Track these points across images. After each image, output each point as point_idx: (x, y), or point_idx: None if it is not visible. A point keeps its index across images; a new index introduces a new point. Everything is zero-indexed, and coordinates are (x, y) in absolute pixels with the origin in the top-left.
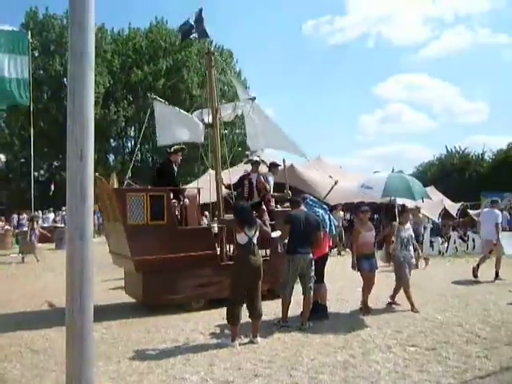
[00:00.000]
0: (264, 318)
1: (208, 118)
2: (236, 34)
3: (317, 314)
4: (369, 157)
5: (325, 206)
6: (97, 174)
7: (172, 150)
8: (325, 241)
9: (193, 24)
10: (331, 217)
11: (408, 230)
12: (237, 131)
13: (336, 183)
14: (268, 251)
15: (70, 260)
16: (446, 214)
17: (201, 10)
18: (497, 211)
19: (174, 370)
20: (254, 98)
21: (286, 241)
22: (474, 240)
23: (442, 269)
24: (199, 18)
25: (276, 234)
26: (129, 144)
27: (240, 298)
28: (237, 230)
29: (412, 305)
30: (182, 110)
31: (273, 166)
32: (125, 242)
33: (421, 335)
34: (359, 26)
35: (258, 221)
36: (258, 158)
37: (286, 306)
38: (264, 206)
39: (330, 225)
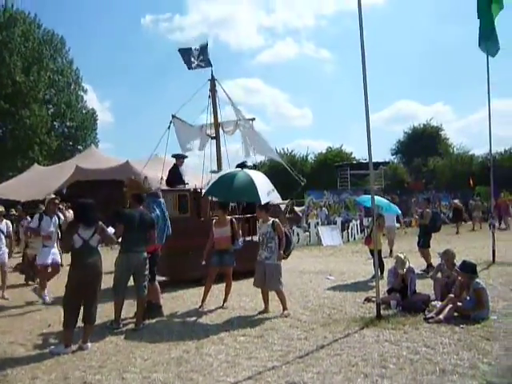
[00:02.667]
0: (96, 321)
1: (211, 132)
2: (72, 19)
3: (151, 314)
4: (207, 155)
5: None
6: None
7: (178, 156)
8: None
9: (194, 51)
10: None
11: (267, 228)
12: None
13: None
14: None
15: None
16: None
17: (207, 43)
18: None
19: None
20: (254, 119)
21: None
22: (298, 234)
23: None
24: (205, 49)
25: (111, 230)
26: None
27: (77, 304)
28: (70, 232)
29: (266, 305)
30: (192, 125)
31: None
32: None
33: (250, 325)
34: (198, 26)
35: (100, 223)
36: (250, 163)
37: (118, 307)
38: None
39: (165, 223)
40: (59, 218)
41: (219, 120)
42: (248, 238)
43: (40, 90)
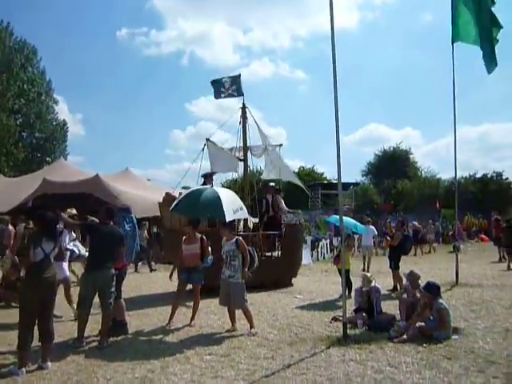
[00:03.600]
0: (58, 339)
1: (240, 154)
2: (46, 28)
3: (116, 331)
4: (179, 171)
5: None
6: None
7: (206, 175)
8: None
9: (225, 82)
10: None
11: (231, 246)
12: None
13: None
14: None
15: None
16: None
17: (239, 74)
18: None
19: None
20: (281, 145)
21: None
22: None
23: None
24: (237, 80)
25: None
26: None
27: (31, 321)
28: (34, 244)
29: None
30: (223, 148)
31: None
32: None
33: (217, 343)
34: (175, 42)
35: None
36: (272, 184)
37: (82, 324)
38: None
39: (135, 240)
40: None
41: (248, 144)
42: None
43: (9, 100)
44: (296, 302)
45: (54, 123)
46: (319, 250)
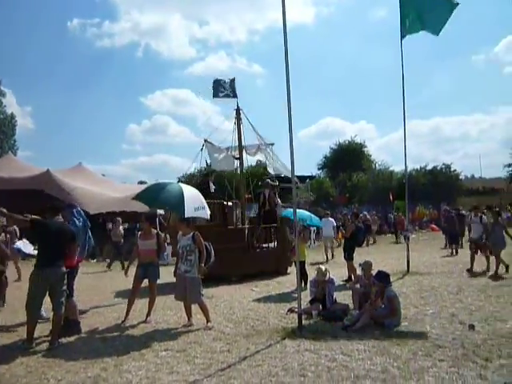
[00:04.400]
0: (6, 340)
1: (235, 153)
2: None
3: (68, 331)
4: (134, 166)
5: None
6: None
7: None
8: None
9: (225, 83)
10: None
11: (187, 241)
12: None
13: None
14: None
15: None
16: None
17: (234, 78)
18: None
19: None
20: (273, 144)
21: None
22: None
23: None
24: (233, 83)
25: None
26: None
27: None
28: None
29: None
30: (221, 147)
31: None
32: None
33: (173, 339)
34: (129, 34)
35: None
36: (268, 181)
37: (31, 325)
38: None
39: (87, 238)
40: None
41: (243, 143)
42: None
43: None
44: (253, 295)
45: (2, 116)
46: None
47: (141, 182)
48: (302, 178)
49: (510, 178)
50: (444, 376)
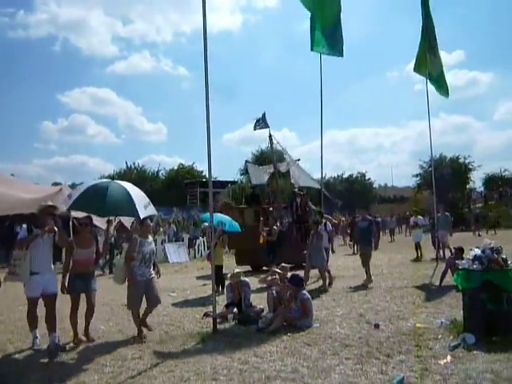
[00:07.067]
0: None
1: (269, 170)
2: None
3: None
4: (47, 166)
5: None
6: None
7: (255, 186)
8: None
9: (260, 119)
10: None
11: (151, 245)
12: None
13: None
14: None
15: None
16: (121, 225)
17: (265, 113)
18: None
19: None
20: (299, 160)
21: None
22: None
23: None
24: (264, 116)
25: None
26: None
27: None
28: None
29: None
30: (259, 167)
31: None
32: None
33: (80, 347)
34: (45, 26)
35: None
36: (297, 191)
37: None
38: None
39: None
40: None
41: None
42: None
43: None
44: (169, 300)
45: None
46: (196, 247)
47: (55, 184)
48: (224, 183)
49: (417, 187)
50: (349, 373)
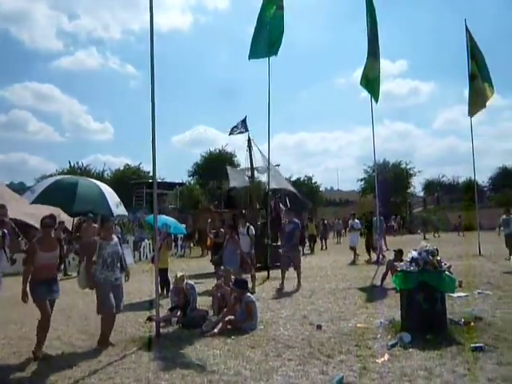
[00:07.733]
0: None
1: (248, 173)
2: None
3: None
4: None
5: None
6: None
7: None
8: None
9: (239, 124)
10: None
11: (114, 247)
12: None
13: None
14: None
15: None
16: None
17: (246, 117)
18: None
19: None
20: (278, 165)
21: None
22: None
23: None
24: (245, 121)
25: None
26: None
27: None
28: None
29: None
30: (237, 169)
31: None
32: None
33: (14, 354)
34: None
35: None
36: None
37: None
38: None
39: None
40: None
41: (254, 165)
42: None
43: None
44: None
45: None
46: (141, 250)
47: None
48: (172, 185)
49: (362, 191)
50: (291, 374)
